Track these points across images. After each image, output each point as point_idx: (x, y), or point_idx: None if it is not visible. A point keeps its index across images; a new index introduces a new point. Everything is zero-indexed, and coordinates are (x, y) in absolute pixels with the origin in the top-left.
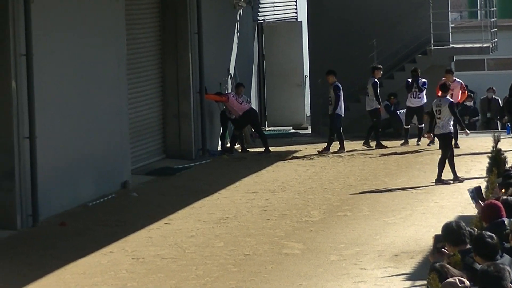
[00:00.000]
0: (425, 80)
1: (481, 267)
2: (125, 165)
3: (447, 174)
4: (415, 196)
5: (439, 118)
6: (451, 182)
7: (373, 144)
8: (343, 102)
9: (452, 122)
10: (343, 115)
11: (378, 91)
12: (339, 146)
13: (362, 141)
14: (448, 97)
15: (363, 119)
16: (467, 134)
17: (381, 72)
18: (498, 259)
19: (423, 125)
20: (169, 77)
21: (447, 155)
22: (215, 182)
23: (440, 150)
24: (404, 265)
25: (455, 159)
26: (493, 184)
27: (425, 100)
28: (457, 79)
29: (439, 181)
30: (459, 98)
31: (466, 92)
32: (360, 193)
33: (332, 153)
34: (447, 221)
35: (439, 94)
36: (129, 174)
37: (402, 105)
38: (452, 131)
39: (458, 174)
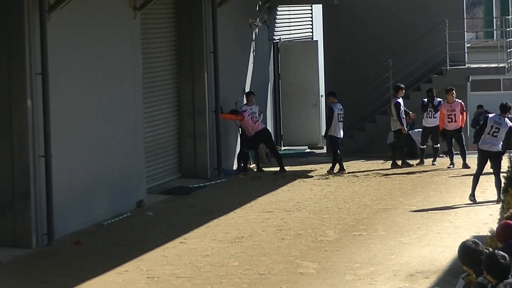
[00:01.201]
0: (441, 100)
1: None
2: (141, 184)
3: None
4: (430, 216)
5: (495, 136)
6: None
7: (412, 162)
8: (339, 124)
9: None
10: (340, 137)
11: (401, 112)
12: (331, 165)
13: (381, 161)
14: (506, 120)
15: (378, 139)
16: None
17: (404, 91)
18: (509, 278)
19: (438, 145)
20: (185, 96)
21: (499, 171)
22: (230, 202)
23: (477, 167)
24: (419, 285)
25: (470, 179)
26: (509, 204)
27: None
28: (457, 100)
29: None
30: (461, 121)
31: (465, 113)
32: (376, 212)
33: (335, 172)
34: (464, 240)
35: (500, 113)
36: (144, 193)
37: (418, 125)
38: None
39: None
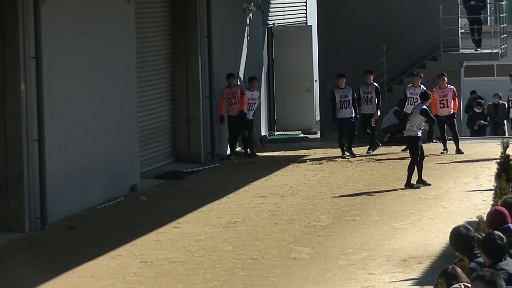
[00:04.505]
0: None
1: (475, 273)
2: (134, 169)
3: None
4: (423, 201)
5: (409, 120)
6: (420, 186)
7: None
8: (334, 107)
9: (421, 128)
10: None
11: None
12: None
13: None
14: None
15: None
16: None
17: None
18: (503, 260)
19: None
20: (179, 81)
21: (417, 158)
22: (224, 186)
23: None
24: (412, 270)
25: (463, 164)
26: (502, 191)
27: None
28: (449, 86)
29: (409, 185)
30: (453, 107)
31: (457, 99)
32: (369, 197)
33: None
34: (455, 226)
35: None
36: (138, 177)
37: None
38: (419, 135)
39: (467, 179)
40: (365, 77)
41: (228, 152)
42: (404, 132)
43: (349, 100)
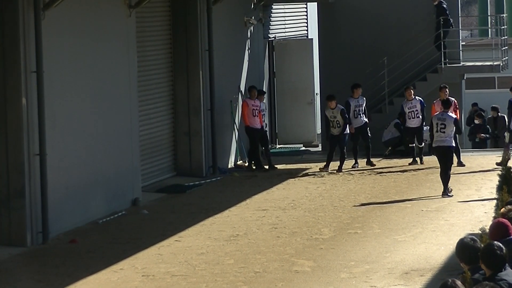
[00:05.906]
0: (421, 99)
1: (475, 286)
2: (136, 183)
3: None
4: (425, 214)
5: (444, 132)
6: (452, 194)
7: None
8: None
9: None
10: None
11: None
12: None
13: (377, 159)
14: (450, 113)
15: (374, 137)
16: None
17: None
18: (503, 271)
19: (423, 144)
20: (180, 94)
21: (450, 167)
22: (225, 200)
23: (440, 164)
24: (414, 283)
25: (465, 176)
26: (503, 202)
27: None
28: (450, 98)
29: (446, 193)
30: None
31: (458, 111)
32: (370, 210)
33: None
34: (462, 237)
35: (442, 110)
36: (139, 191)
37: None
38: (454, 145)
39: (469, 191)
40: (356, 91)
41: (249, 165)
42: (433, 143)
43: (337, 121)
